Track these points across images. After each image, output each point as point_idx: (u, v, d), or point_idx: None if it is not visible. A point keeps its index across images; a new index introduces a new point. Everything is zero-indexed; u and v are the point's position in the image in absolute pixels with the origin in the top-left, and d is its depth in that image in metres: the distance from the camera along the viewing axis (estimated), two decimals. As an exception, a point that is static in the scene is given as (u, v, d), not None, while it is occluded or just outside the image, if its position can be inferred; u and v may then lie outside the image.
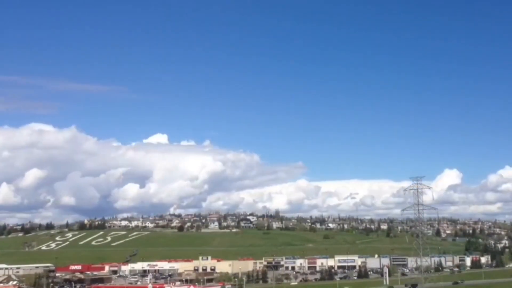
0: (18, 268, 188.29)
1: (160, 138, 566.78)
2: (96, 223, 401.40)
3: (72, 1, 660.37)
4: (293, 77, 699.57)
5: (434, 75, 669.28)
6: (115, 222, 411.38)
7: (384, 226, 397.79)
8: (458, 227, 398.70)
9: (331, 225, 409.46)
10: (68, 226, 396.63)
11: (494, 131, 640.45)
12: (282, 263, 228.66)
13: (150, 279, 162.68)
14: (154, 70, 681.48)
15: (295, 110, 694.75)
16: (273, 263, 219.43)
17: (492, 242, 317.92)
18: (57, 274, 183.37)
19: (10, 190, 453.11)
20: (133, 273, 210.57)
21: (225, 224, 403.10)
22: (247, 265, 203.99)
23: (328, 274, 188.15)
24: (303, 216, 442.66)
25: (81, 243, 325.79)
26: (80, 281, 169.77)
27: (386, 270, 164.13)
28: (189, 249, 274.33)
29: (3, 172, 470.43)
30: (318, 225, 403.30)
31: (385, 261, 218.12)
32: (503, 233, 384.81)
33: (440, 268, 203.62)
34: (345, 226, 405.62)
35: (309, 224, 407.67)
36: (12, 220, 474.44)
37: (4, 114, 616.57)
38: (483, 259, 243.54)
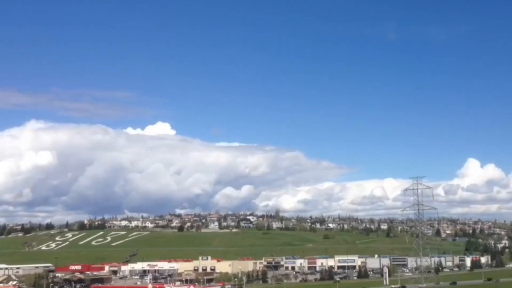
0: (18, 268, 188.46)
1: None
2: (96, 223, 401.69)
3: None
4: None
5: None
6: (115, 222, 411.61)
7: (384, 226, 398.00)
8: (458, 227, 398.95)
9: (331, 225, 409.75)
10: (68, 226, 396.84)
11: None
12: (282, 263, 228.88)
13: (150, 279, 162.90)
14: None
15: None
16: (273, 263, 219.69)
17: (492, 242, 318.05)
18: (57, 274, 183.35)
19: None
20: (133, 273, 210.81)
21: (225, 224, 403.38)
22: (247, 265, 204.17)
23: (328, 274, 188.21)
24: (303, 216, 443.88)
25: (81, 243, 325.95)
26: (80, 281, 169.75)
27: (386, 270, 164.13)
28: (189, 249, 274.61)
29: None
30: (318, 225, 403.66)
31: (385, 261, 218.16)
32: (503, 233, 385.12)
33: (440, 268, 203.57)
34: (345, 226, 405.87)
35: (309, 224, 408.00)
36: (12, 219, 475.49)
37: None
38: (483, 259, 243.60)
